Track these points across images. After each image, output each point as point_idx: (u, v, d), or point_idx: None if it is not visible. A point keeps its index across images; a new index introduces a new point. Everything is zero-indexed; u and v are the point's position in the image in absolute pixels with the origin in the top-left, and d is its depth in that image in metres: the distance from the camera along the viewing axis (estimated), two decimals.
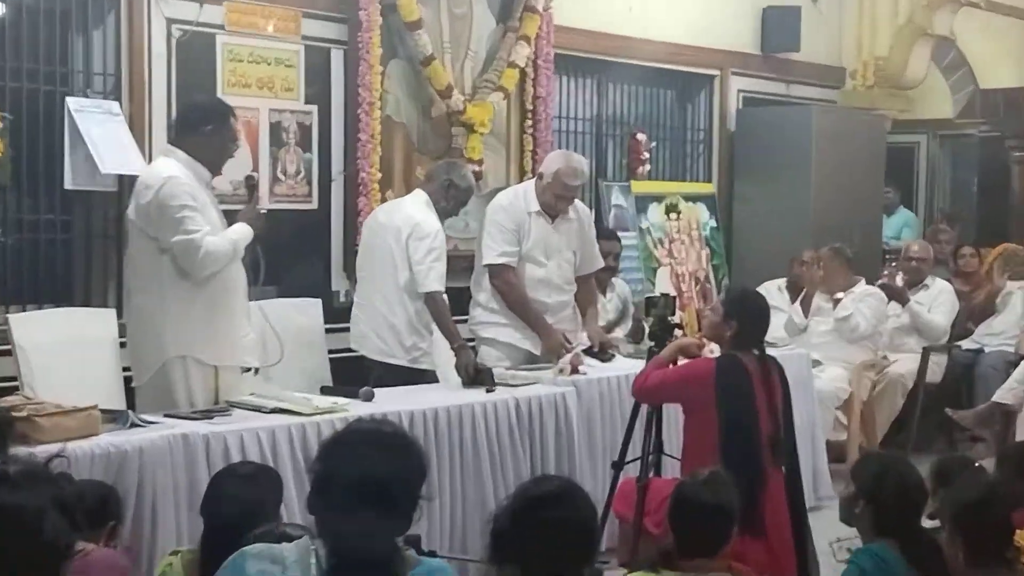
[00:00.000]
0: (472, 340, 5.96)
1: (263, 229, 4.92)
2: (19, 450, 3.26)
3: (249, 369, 4.90)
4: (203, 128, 4.75)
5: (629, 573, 3.57)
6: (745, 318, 4.86)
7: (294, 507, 4.10)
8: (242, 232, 4.83)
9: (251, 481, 3.45)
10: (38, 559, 1.58)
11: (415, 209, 5.73)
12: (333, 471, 2.54)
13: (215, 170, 4.84)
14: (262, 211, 5.05)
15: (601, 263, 6.35)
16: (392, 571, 2.47)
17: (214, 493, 3.46)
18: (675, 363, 4.96)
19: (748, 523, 4.20)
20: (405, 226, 5.64)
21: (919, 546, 3.58)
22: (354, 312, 5.89)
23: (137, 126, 5.78)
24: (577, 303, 6.17)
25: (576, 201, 6.13)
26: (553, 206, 5.95)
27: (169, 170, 4.68)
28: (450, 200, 5.85)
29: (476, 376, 5.35)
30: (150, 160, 5.67)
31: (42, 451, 3.43)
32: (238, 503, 3.32)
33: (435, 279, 5.56)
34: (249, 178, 5.17)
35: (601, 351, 6.02)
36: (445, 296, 5.62)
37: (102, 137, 5.55)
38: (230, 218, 4.90)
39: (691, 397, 4.79)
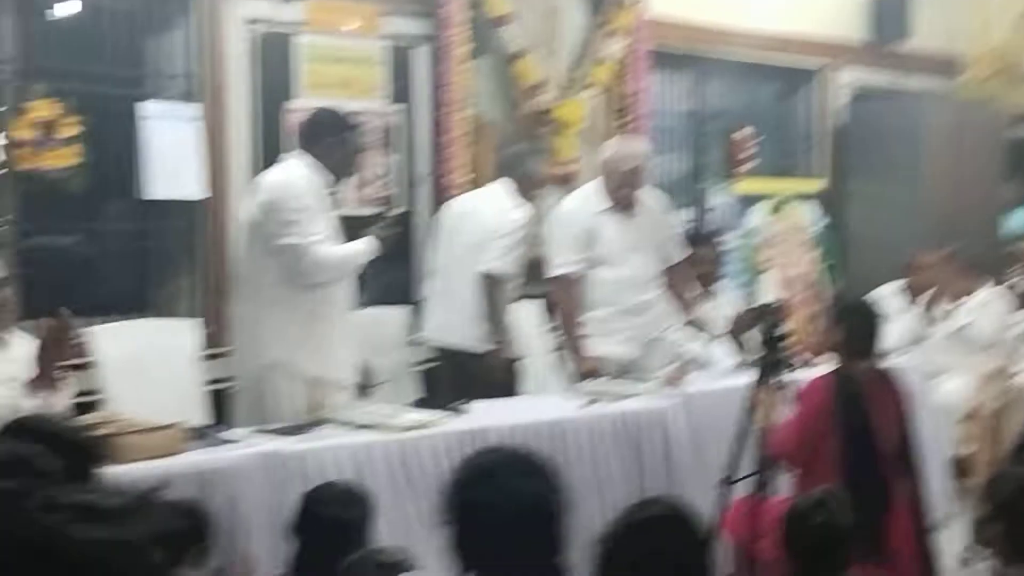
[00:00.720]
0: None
1: (389, 246, 5.11)
2: (112, 476, 3.25)
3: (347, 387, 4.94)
4: (325, 139, 4.97)
5: None
6: (854, 324, 4.80)
7: (386, 528, 4.07)
8: (367, 248, 5.00)
9: (343, 501, 3.42)
10: None
11: (504, 201, 5.85)
12: (479, 513, 2.51)
13: (341, 177, 5.10)
14: (397, 233, 5.21)
15: (682, 254, 6.15)
16: None
17: (304, 514, 3.43)
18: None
19: (871, 548, 4.21)
20: (494, 218, 5.75)
21: None
22: (431, 304, 5.92)
23: (216, 128, 5.81)
24: (671, 289, 6.06)
25: (650, 189, 6.06)
26: (618, 197, 5.82)
27: (290, 172, 4.88)
28: (533, 191, 6.04)
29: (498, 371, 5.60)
30: (213, 178, 5.79)
31: (137, 476, 3.45)
32: (330, 525, 3.29)
33: (502, 261, 5.68)
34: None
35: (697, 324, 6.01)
36: (510, 284, 5.78)
37: (166, 150, 5.60)
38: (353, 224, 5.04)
39: (818, 423, 4.68)
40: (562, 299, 5.83)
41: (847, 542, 3.46)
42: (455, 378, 5.83)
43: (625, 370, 5.83)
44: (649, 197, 6.02)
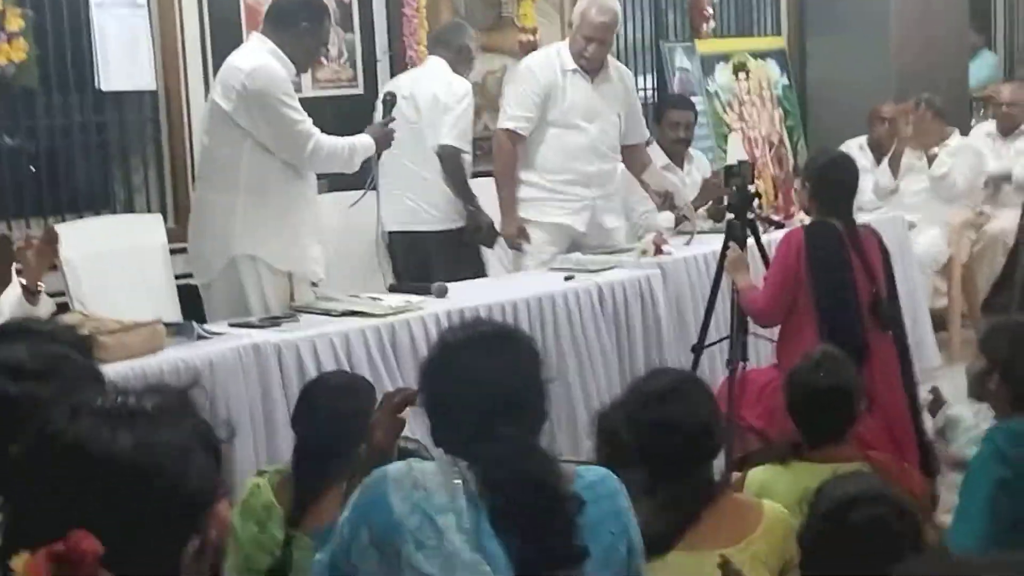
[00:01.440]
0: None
1: (385, 147, 5.03)
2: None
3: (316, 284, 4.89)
4: (299, 24, 4.78)
5: (755, 466, 3.51)
6: (827, 182, 4.81)
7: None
8: (364, 143, 4.92)
9: (346, 392, 3.39)
10: (187, 507, 1.50)
11: (445, 75, 5.82)
12: (453, 388, 2.46)
13: (302, 69, 4.95)
14: (393, 132, 5.09)
15: (647, 133, 6.12)
16: (557, 489, 2.37)
17: (307, 407, 3.41)
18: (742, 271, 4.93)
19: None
20: (440, 92, 5.73)
21: None
22: (384, 190, 5.65)
23: (166, 14, 5.66)
24: (630, 171, 5.97)
25: (617, 63, 5.95)
26: (587, 55, 5.63)
27: (266, 57, 4.70)
28: (469, 66, 6.02)
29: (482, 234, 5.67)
30: (167, 66, 5.65)
31: (123, 375, 3.41)
32: (334, 417, 3.27)
33: (453, 135, 5.68)
34: (388, 95, 5.22)
35: (670, 207, 5.93)
36: (466, 156, 5.78)
37: (117, 40, 5.45)
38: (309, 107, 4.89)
39: (796, 275, 4.68)
40: (501, 155, 5.70)
41: (854, 398, 3.48)
42: (422, 262, 5.81)
43: (575, 243, 5.73)
44: (617, 67, 5.90)
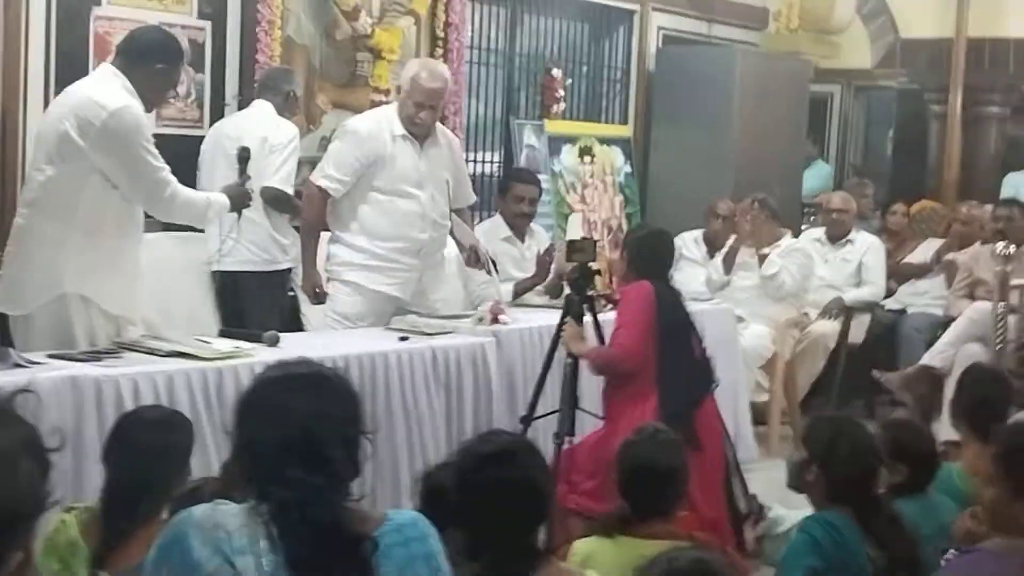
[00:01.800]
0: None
1: (241, 208, 4.97)
2: None
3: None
4: (154, 64, 4.61)
5: (582, 539, 3.49)
6: (645, 251, 5.09)
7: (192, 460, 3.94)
8: (220, 201, 4.86)
9: (162, 427, 3.28)
10: (13, 517, 1.41)
11: (273, 119, 5.90)
12: (256, 426, 2.42)
13: (148, 108, 4.68)
14: (250, 190, 5.03)
15: (473, 197, 5.98)
16: (352, 533, 2.34)
17: (119, 440, 3.28)
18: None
19: (687, 438, 4.37)
20: (269, 135, 5.79)
21: (875, 514, 3.56)
22: (209, 230, 5.62)
23: (12, 38, 5.53)
24: (454, 230, 5.83)
25: (443, 127, 5.82)
26: (416, 121, 5.48)
27: (126, 97, 4.51)
28: (295, 111, 6.09)
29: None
30: (6, 89, 5.50)
31: None
32: (148, 452, 3.15)
33: (278, 178, 5.78)
34: (243, 150, 5.09)
35: (471, 259, 5.80)
36: (295, 201, 5.83)
37: None
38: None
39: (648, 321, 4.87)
40: (311, 209, 5.58)
41: (685, 480, 3.51)
42: (244, 303, 5.80)
43: (397, 311, 5.60)
44: (444, 131, 5.78)
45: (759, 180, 8.44)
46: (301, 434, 2.37)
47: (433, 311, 5.65)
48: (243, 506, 2.36)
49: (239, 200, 4.94)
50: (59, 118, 4.53)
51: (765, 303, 7.41)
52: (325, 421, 2.41)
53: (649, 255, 5.10)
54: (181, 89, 6.12)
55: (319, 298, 5.59)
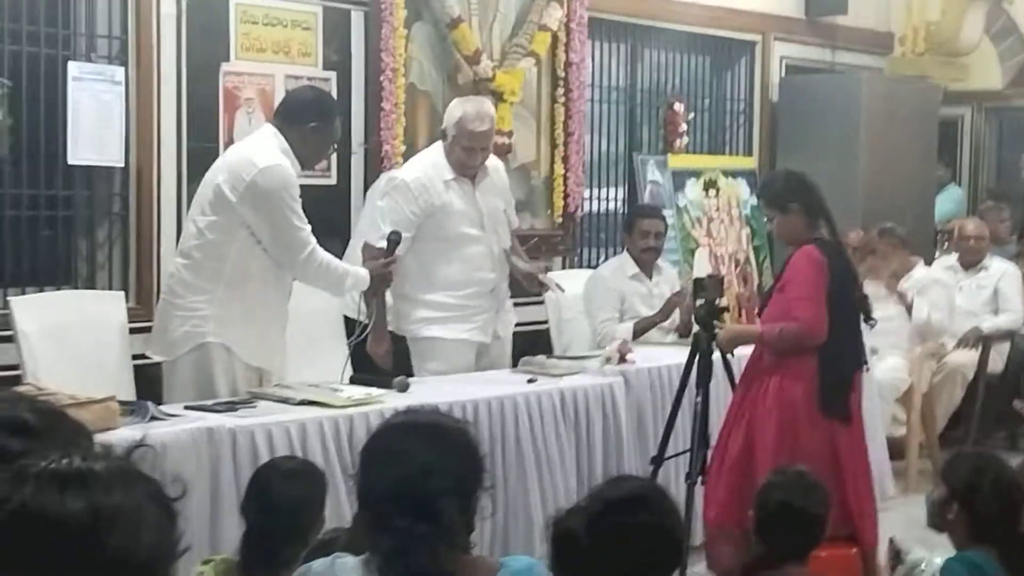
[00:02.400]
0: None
1: (380, 290, 5.01)
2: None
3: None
4: (307, 124, 4.74)
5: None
6: (798, 193, 5.02)
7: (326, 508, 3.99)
8: (360, 276, 4.90)
9: (298, 477, 3.33)
10: (144, 569, 1.44)
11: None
12: (372, 474, 2.44)
13: (307, 166, 4.86)
14: (392, 273, 5.06)
15: (516, 221, 5.74)
16: None
17: (257, 491, 3.34)
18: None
19: (842, 410, 4.80)
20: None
21: (1019, 554, 3.46)
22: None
23: (144, 93, 5.66)
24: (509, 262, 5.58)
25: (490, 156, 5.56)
26: (466, 164, 5.32)
27: (279, 156, 4.66)
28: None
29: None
30: (140, 144, 5.63)
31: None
32: (284, 502, 3.20)
33: None
34: (393, 233, 5.10)
35: (532, 284, 5.55)
36: None
37: (92, 114, 5.44)
38: None
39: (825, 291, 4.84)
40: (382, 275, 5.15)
41: (824, 525, 3.45)
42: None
43: (478, 355, 5.45)
44: (490, 159, 5.53)
45: (889, 208, 8.30)
46: (412, 483, 2.38)
47: (502, 351, 5.55)
48: (360, 558, 2.37)
49: (380, 280, 4.98)
50: (215, 172, 4.73)
51: (900, 335, 7.27)
52: (439, 471, 2.41)
53: (819, 197, 5.09)
54: None
55: (387, 361, 5.28)
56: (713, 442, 4.97)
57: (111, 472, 1.47)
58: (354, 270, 4.91)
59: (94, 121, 5.50)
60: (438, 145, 5.47)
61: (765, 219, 5.21)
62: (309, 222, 4.81)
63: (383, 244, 5.13)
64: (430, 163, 5.39)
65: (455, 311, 5.38)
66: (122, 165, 5.63)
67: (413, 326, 5.43)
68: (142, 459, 1.57)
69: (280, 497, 3.24)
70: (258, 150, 4.69)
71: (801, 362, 4.81)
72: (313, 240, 4.74)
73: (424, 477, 2.39)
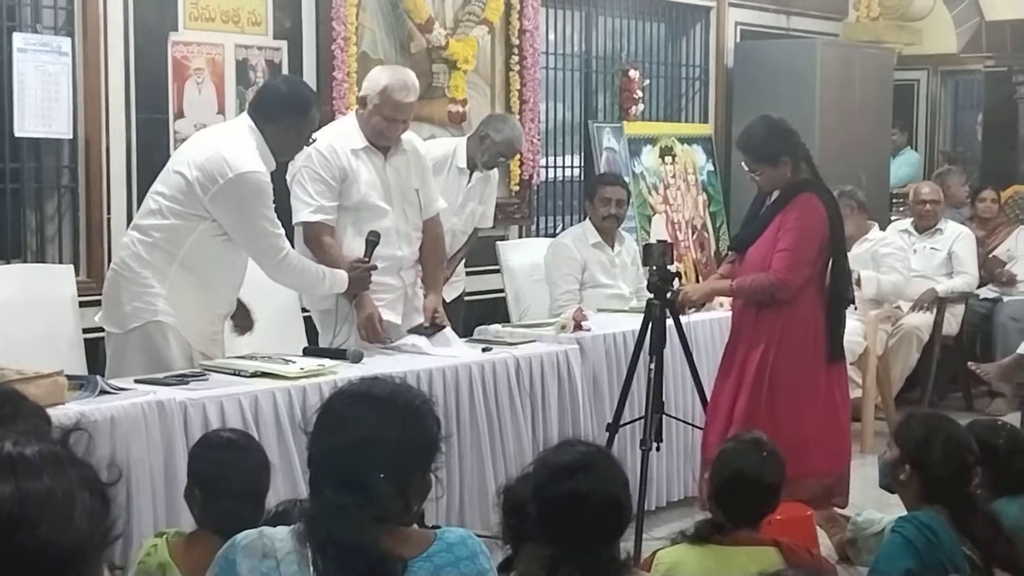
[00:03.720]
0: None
1: (359, 291, 4.93)
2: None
3: None
4: (283, 122, 4.64)
5: (673, 545, 3.45)
6: (787, 145, 5.11)
7: (279, 480, 3.96)
8: (339, 278, 4.85)
9: (244, 449, 3.33)
10: (75, 555, 1.41)
11: None
12: (317, 443, 2.42)
13: (283, 159, 4.74)
14: (370, 276, 4.96)
15: (443, 204, 5.43)
16: (378, 554, 2.30)
17: (210, 463, 3.33)
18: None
19: (836, 349, 5.09)
20: None
21: (970, 514, 3.47)
22: None
23: (91, 64, 5.58)
24: (421, 258, 5.28)
25: (409, 134, 5.27)
26: (385, 135, 5.08)
27: (255, 159, 4.55)
28: (484, 153, 6.03)
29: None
30: (89, 116, 5.55)
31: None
32: (237, 474, 3.22)
33: None
34: (371, 234, 4.96)
35: (431, 325, 5.13)
36: None
37: (39, 85, 5.36)
38: None
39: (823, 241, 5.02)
40: (325, 250, 4.99)
41: (778, 492, 3.46)
42: None
43: (396, 334, 5.14)
44: (408, 138, 5.25)
45: (845, 172, 8.31)
46: (347, 453, 2.36)
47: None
48: (292, 529, 2.35)
49: (359, 281, 4.91)
50: (188, 164, 4.60)
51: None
52: (377, 443, 2.37)
53: (801, 145, 5.16)
54: None
55: (379, 335, 5.02)
56: (669, 408, 5.01)
57: (42, 457, 1.45)
58: (331, 272, 4.84)
59: (41, 93, 5.42)
60: (351, 115, 5.30)
61: (747, 170, 5.22)
62: None
63: (317, 219, 5.01)
64: (340, 131, 5.18)
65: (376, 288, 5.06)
66: (70, 137, 5.55)
67: (317, 300, 5.19)
68: (77, 443, 1.55)
69: (233, 468, 3.24)
70: (234, 150, 4.56)
71: (806, 308, 5.00)
72: (286, 245, 4.69)
73: (360, 448, 2.35)
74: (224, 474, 3.27)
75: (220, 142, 4.64)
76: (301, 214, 5.06)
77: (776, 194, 5.11)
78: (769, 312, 5.00)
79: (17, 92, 5.33)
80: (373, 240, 4.94)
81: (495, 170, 6.15)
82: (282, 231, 4.69)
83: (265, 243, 4.64)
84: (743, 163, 5.24)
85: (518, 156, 7.34)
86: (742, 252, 5.14)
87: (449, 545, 2.38)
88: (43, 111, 5.43)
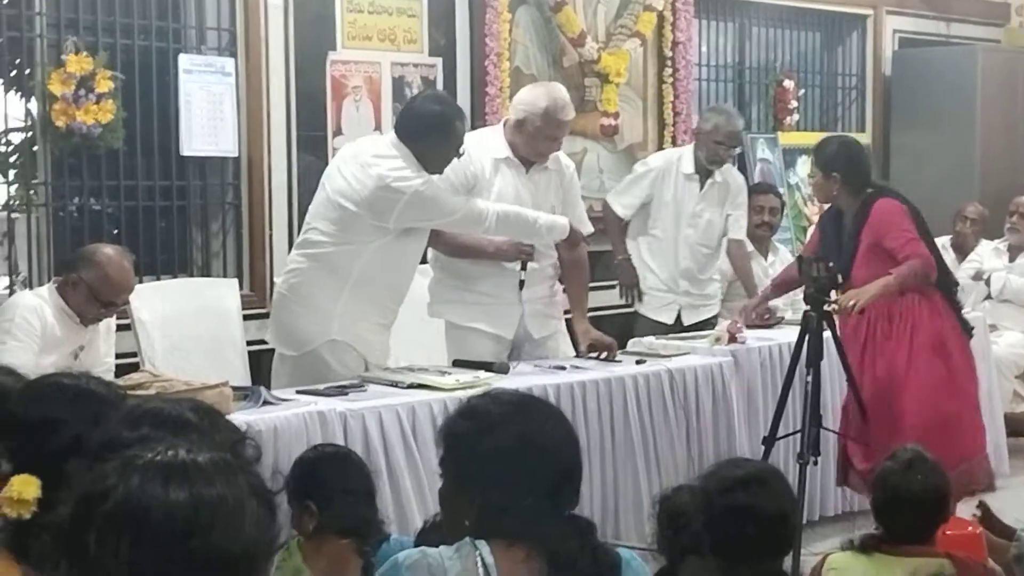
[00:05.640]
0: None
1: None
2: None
3: None
4: (427, 141, 4.68)
5: (840, 551, 3.41)
6: (843, 165, 5.24)
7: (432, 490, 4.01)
8: (556, 224, 4.95)
9: (348, 456, 3.62)
10: (246, 560, 1.46)
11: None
12: (497, 452, 2.26)
13: (433, 173, 4.74)
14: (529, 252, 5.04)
15: (590, 228, 5.30)
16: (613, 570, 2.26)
17: (325, 472, 3.49)
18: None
19: (966, 325, 5.34)
20: None
21: None
22: None
23: (254, 83, 5.74)
24: (565, 285, 5.25)
25: (560, 153, 5.23)
26: (544, 153, 5.07)
27: (410, 172, 4.60)
28: (702, 148, 6.11)
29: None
30: (251, 134, 5.71)
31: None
32: (351, 477, 3.46)
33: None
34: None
35: (594, 350, 5.10)
36: None
37: (204, 106, 5.53)
38: None
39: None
40: (449, 246, 5.08)
41: (944, 505, 3.39)
42: None
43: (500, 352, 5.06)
44: (557, 157, 5.21)
45: (1007, 183, 8.13)
46: (557, 466, 2.29)
47: (543, 352, 5.16)
48: (456, 547, 2.22)
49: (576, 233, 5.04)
50: (347, 196, 4.63)
51: (1021, 309, 7.11)
52: (569, 449, 2.34)
53: (860, 164, 5.38)
54: None
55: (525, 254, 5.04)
56: (827, 421, 4.94)
57: (214, 464, 1.49)
58: (548, 218, 4.95)
59: (206, 113, 5.59)
60: (499, 125, 5.25)
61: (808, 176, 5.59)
62: None
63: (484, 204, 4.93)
64: (482, 140, 5.11)
65: (474, 298, 5.06)
66: (235, 155, 5.72)
67: (434, 307, 5.19)
68: (246, 452, 1.59)
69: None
70: (394, 175, 4.59)
71: (928, 300, 5.18)
72: (482, 205, 4.77)
73: (571, 460, 2.35)
74: (338, 479, 3.41)
75: (376, 168, 4.62)
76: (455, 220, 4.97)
77: (852, 214, 5.27)
78: (904, 303, 5.14)
79: (184, 112, 5.51)
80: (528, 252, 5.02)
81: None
82: (466, 200, 4.77)
83: (467, 219, 4.76)
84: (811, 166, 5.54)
85: None
86: (847, 279, 5.11)
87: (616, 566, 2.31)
88: (209, 130, 5.60)
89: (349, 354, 4.70)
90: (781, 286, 5.73)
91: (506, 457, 2.25)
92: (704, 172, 6.16)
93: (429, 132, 4.68)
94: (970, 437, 5.24)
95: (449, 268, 5.11)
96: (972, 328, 5.39)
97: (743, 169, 8.00)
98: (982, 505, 3.95)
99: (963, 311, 5.52)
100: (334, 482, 3.41)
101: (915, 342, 5.16)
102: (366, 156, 4.69)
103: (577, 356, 5.18)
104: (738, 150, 6.47)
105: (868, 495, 3.76)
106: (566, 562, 2.19)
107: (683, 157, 6.21)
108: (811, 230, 8.07)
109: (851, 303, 4.97)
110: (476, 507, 2.27)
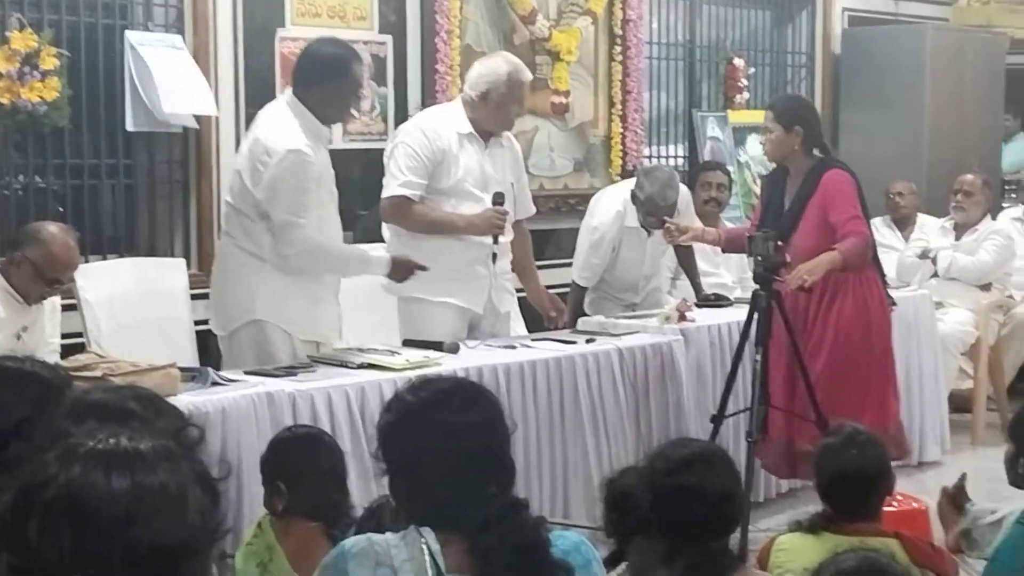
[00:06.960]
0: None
1: (403, 279, 4.87)
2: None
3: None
4: (325, 85, 4.64)
5: (787, 534, 3.43)
6: (806, 119, 5.31)
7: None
8: (364, 258, 4.85)
9: (320, 439, 3.55)
10: (188, 549, 1.45)
11: None
12: (428, 447, 2.25)
13: (333, 122, 4.74)
14: (500, 222, 4.97)
15: (533, 209, 5.43)
16: (545, 553, 2.22)
17: (294, 455, 3.46)
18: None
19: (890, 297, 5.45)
20: None
21: None
22: None
23: (201, 61, 5.67)
24: (514, 255, 5.28)
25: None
26: (510, 120, 5.12)
27: (293, 140, 4.54)
28: (639, 212, 5.92)
29: None
30: (216, 98, 5.61)
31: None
32: (322, 461, 3.42)
33: None
34: (497, 195, 5.01)
35: (556, 309, 5.30)
36: None
37: (166, 73, 5.46)
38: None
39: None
40: (411, 220, 5.03)
41: (887, 481, 3.41)
42: None
43: (472, 325, 5.14)
44: (509, 135, 5.27)
45: (955, 160, 8.18)
46: (480, 448, 2.27)
47: (505, 327, 5.22)
48: (402, 535, 2.21)
49: (400, 270, 4.83)
50: (242, 160, 4.70)
51: (966, 287, 7.17)
52: (494, 430, 2.31)
53: (816, 120, 5.47)
54: (365, 103, 6.20)
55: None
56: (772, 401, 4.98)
57: (156, 452, 1.47)
58: (360, 257, 4.87)
59: (172, 78, 5.45)
60: (457, 100, 5.24)
61: (763, 130, 5.52)
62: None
63: (404, 192, 4.96)
64: (445, 114, 5.16)
65: (444, 273, 4.98)
66: (180, 131, 5.65)
67: (396, 285, 5.05)
68: (190, 437, 1.58)
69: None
70: (273, 134, 4.58)
71: (865, 273, 5.28)
72: (305, 234, 4.58)
73: (496, 441, 2.32)
74: (309, 462, 3.39)
75: (261, 127, 4.67)
76: (389, 188, 5.03)
77: (801, 180, 5.25)
78: (841, 277, 5.18)
79: (130, 89, 5.44)
80: (499, 201, 4.97)
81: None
82: (302, 220, 4.56)
83: (287, 217, 4.55)
84: (764, 122, 5.46)
85: (620, 146, 7.34)
86: (786, 242, 5.10)
87: (564, 553, 2.30)
88: (181, 92, 5.49)
89: (275, 332, 4.64)
90: (732, 241, 5.65)
91: (426, 448, 2.25)
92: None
93: (326, 75, 4.64)
94: (878, 404, 5.25)
95: (413, 245, 5.02)
96: (895, 302, 5.56)
97: (694, 148, 8.04)
98: (963, 477, 3.98)
99: (909, 287, 5.60)
100: (304, 464, 3.39)
101: (841, 311, 5.24)
102: (257, 118, 4.70)
103: (546, 321, 5.33)
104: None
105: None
106: (489, 549, 2.17)
107: (627, 212, 5.98)
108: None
109: (803, 279, 4.98)
110: (407, 497, 2.28)
